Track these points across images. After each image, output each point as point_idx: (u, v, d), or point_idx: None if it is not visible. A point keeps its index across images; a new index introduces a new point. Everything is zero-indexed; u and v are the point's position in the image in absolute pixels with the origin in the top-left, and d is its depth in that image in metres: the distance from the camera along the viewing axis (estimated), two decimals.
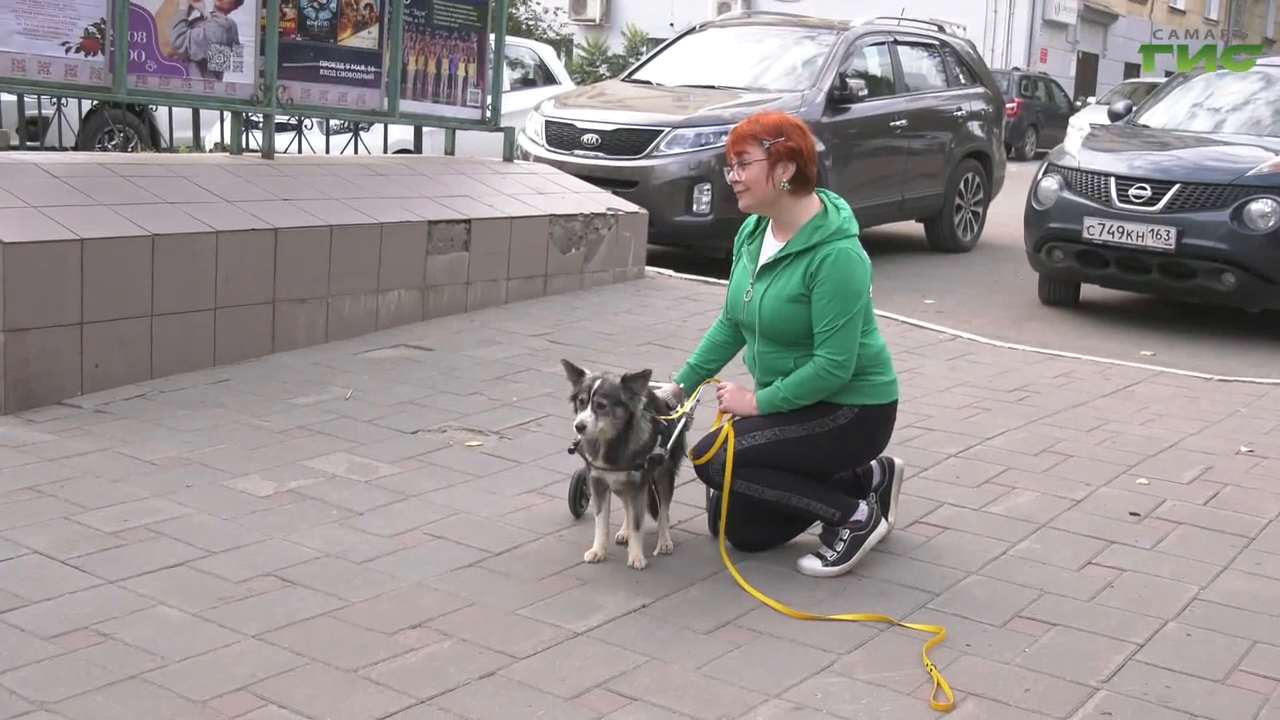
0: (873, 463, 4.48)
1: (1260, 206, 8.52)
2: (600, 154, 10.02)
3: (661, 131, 9.88)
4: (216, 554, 4.04)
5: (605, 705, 3.25)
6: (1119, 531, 4.65)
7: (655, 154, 9.83)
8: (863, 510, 4.21)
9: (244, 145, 7.74)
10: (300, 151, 8.65)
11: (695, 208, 9.72)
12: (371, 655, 3.44)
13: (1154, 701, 3.43)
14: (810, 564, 4.17)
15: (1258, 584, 4.27)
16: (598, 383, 3.99)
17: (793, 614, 3.83)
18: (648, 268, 8.93)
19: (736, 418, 4.20)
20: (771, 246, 4.21)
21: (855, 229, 4.17)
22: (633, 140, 9.96)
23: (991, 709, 3.35)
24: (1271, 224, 8.50)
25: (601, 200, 8.63)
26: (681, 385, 4.38)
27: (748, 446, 4.12)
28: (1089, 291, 10.02)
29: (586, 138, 10.14)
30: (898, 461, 4.55)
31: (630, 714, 3.22)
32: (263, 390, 5.78)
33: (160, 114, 10.84)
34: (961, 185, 12.36)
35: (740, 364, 4.47)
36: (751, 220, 4.37)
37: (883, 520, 4.29)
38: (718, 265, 9.31)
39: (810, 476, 4.19)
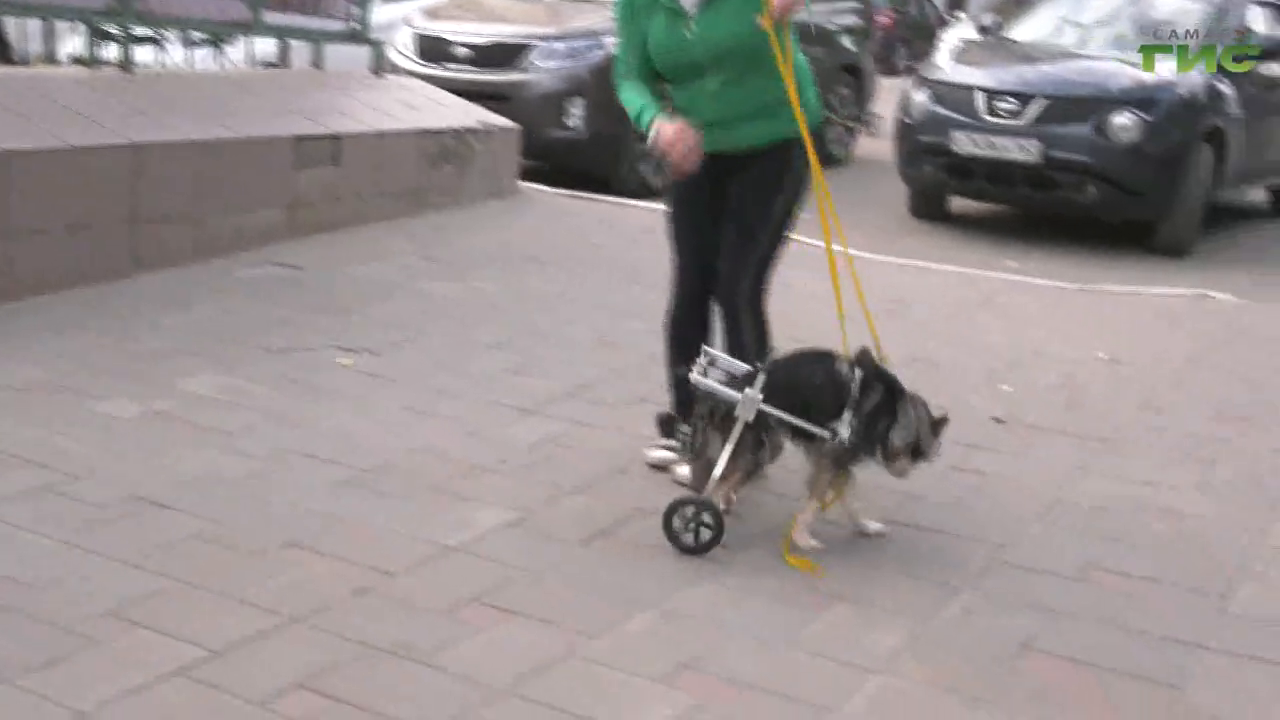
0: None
1: (1121, 120, 8.71)
2: (472, 68, 9.87)
3: (533, 45, 9.76)
4: (82, 479, 3.94)
5: (481, 619, 3.27)
6: (984, 437, 4.76)
7: (527, 68, 9.71)
8: None
9: (101, 58, 7.48)
10: (161, 66, 8.38)
11: (569, 123, 9.63)
12: (244, 576, 3.40)
13: (1015, 600, 3.55)
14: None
15: (1114, 485, 4.42)
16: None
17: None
18: (522, 183, 8.85)
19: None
20: None
21: None
22: (504, 54, 9.83)
23: (858, 612, 3.44)
24: (1132, 137, 8.70)
25: (474, 115, 8.51)
26: (676, 121, 4.05)
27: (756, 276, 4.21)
28: (958, 204, 10.18)
29: (458, 51, 9.98)
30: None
31: (506, 627, 3.24)
32: (127, 311, 5.64)
33: (10, 25, 10.41)
34: (834, 99, 12.41)
35: None
36: None
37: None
38: (592, 181, 9.28)
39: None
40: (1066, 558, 3.83)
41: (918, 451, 3.85)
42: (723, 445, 3.69)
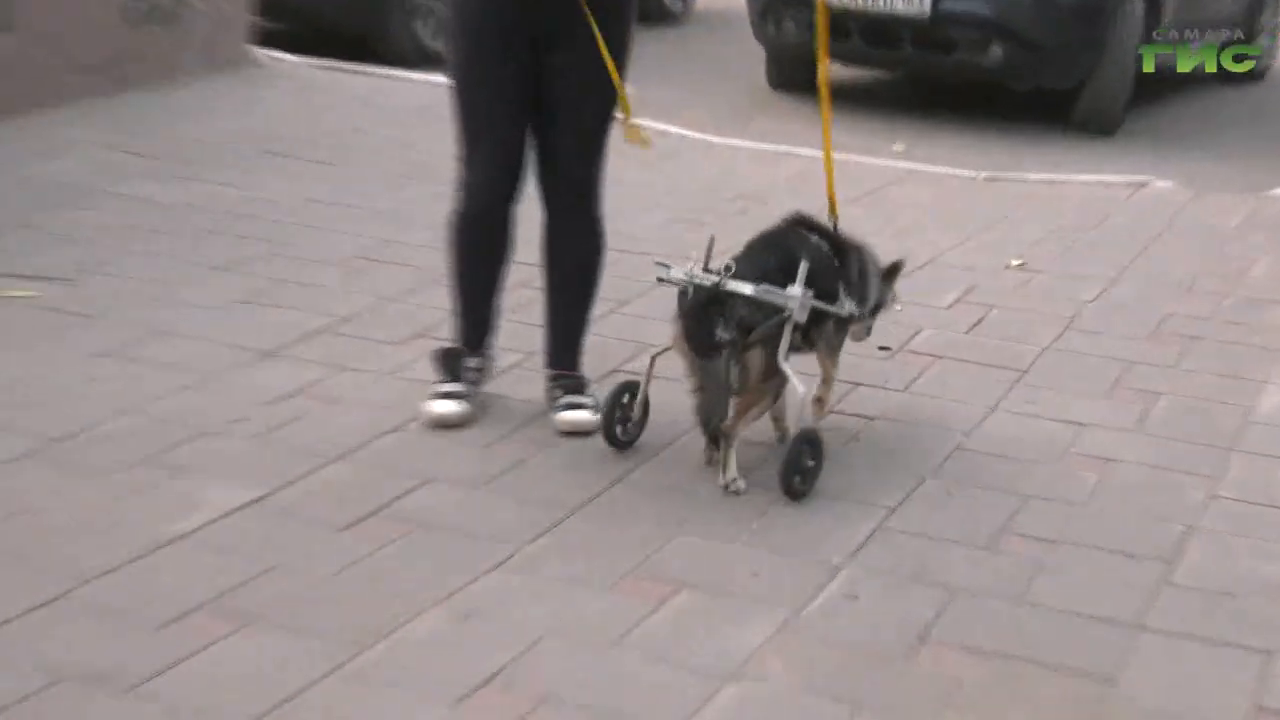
0: None
1: None
2: None
3: None
4: None
5: (213, 631, 3.20)
6: (865, 371, 4.81)
7: None
8: None
9: None
10: None
11: None
12: None
13: (908, 576, 3.59)
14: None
15: (1030, 426, 4.51)
16: None
17: None
18: (258, 51, 8.68)
19: None
20: None
21: None
22: None
23: (709, 601, 3.44)
24: None
25: None
26: None
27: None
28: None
29: None
30: None
31: (247, 641, 3.18)
32: None
33: None
34: None
35: None
36: None
37: None
38: (347, 46, 9.13)
39: None
40: (972, 522, 3.89)
41: (878, 307, 4.51)
42: (764, 360, 3.98)
